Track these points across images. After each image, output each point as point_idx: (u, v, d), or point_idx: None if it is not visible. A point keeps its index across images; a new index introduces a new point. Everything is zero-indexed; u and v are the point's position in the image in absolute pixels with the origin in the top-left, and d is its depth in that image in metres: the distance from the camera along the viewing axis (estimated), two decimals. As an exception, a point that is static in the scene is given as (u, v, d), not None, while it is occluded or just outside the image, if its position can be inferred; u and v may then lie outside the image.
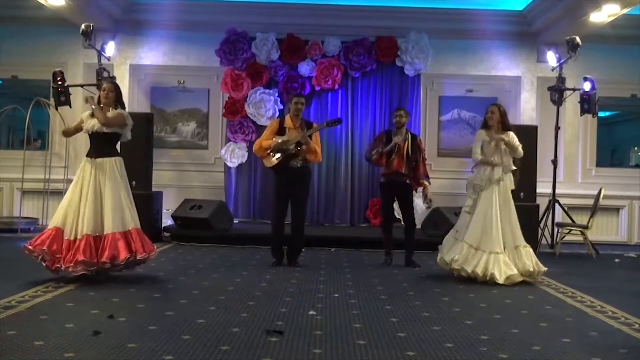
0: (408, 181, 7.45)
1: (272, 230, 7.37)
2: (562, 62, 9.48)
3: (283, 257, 7.33)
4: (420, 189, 7.63)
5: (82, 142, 10.49)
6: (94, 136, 6.12)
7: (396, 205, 7.79)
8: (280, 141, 7.09)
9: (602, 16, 8.83)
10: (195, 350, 3.83)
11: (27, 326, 4.24)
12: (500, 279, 6.34)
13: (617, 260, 8.84)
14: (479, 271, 6.41)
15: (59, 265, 5.80)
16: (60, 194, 10.30)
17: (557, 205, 9.51)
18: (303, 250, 7.52)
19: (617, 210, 10.74)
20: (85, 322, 4.40)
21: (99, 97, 6.26)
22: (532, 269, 6.57)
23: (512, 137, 6.74)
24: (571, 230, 9.26)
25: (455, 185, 10.36)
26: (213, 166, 10.85)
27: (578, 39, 8.99)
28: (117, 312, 4.65)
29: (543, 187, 9.69)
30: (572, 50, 9.07)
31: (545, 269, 6.69)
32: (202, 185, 10.78)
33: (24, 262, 6.60)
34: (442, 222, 9.15)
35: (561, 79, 9.51)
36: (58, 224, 5.95)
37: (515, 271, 6.46)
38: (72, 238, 5.87)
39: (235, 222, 10.07)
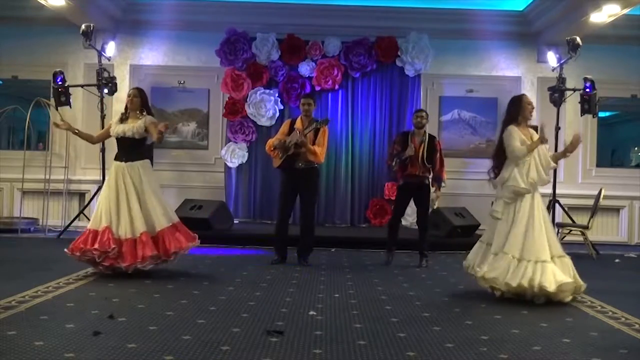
0: (426, 181, 7.44)
1: (275, 230, 7.45)
2: (562, 62, 9.47)
3: (286, 256, 7.40)
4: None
5: (83, 142, 10.51)
6: (122, 140, 6.38)
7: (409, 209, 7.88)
8: (281, 141, 7.21)
9: (602, 16, 8.83)
10: (195, 350, 3.83)
11: (27, 326, 4.24)
12: (550, 287, 5.33)
13: (617, 260, 8.83)
14: (525, 282, 5.36)
15: (120, 265, 6.05)
16: (60, 194, 10.33)
17: (557, 205, 9.50)
18: (313, 249, 7.56)
19: (617, 210, 10.74)
20: (85, 322, 4.40)
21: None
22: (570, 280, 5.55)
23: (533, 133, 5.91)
24: (571, 230, 9.27)
25: (456, 185, 10.36)
26: (213, 166, 10.85)
27: (578, 39, 8.99)
28: (117, 312, 4.64)
29: (543, 187, 9.65)
30: (572, 50, 9.06)
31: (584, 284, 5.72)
32: (202, 185, 10.78)
33: (23, 262, 6.61)
34: (442, 222, 9.17)
35: (561, 79, 9.50)
36: (107, 223, 6.14)
37: (569, 278, 5.48)
38: (130, 236, 6.14)
39: (235, 222, 10.06)
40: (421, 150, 7.36)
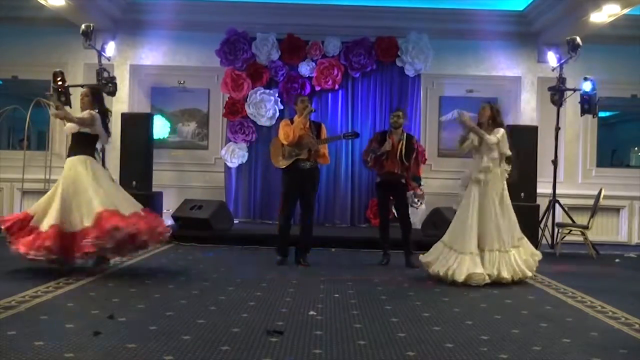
0: (403, 180, 7.48)
1: (278, 230, 7.44)
2: (562, 62, 9.47)
3: (288, 256, 7.41)
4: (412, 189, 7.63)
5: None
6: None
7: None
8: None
9: (602, 16, 8.82)
10: (195, 350, 3.83)
11: (27, 326, 4.24)
12: (460, 278, 6.17)
13: (617, 260, 8.84)
14: (442, 272, 6.34)
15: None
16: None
17: (557, 205, 9.50)
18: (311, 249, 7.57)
19: (617, 210, 10.73)
20: (85, 322, 4.40)
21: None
22: (507, 276, 6.29)
23: (497, 132, 6.47)
24: (571, 230, 9.26)
25: (455, 185, 10.30)
26: (213, 166, 10.85)
27: (578, 39, 8.99)
28: (117, 312, 4.64)
29: (543, 187, 9.68)
30: (572, 50, 9.06)
31: (530, 274, 6.50)
32: (202, 185, 10.78)
33: (23, 262, 6.59)
34: (442, 222, 9.11)
35: (561, 79, 9.50)
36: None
37: (480, 270, 6.21)
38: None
39: (235, 222, 10.06)
40: (399, 147, 7.42)
